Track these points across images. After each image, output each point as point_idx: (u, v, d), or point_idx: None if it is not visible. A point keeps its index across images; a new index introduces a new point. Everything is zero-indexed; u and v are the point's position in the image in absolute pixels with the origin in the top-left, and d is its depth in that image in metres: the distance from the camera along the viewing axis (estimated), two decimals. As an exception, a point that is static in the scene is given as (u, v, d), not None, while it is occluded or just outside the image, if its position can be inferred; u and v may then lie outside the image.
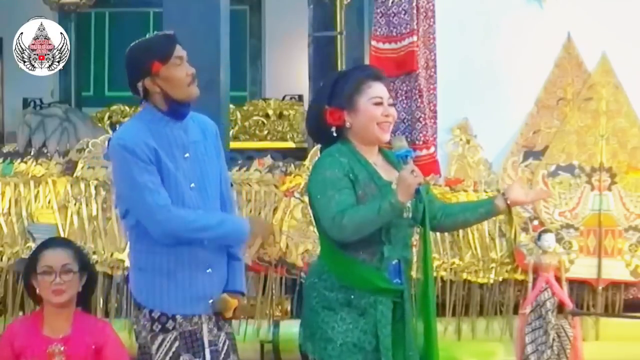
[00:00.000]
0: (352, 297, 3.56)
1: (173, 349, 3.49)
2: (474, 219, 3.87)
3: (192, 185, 3.53)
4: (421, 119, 5.92)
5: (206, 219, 3.50)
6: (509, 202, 3.70)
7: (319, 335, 3.57)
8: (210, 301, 3.55)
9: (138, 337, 3.59)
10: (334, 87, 3.65)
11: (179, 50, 3.55)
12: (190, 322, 3.52)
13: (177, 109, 3.55)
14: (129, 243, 3.69)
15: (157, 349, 3.49)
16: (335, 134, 3.64)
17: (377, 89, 3.61)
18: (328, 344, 3.55)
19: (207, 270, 3.56)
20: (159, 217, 3.44)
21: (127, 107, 10.75)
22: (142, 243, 3.53)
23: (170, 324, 3.50)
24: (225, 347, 3.59)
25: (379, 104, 3.59)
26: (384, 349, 3.52)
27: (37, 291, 3.85)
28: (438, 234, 5.54)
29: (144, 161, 3.46)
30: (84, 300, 3.98)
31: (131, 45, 3.61)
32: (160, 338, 3.50)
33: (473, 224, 4.22)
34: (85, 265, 3.94)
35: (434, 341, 3.61)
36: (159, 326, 3.50)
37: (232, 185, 4.07)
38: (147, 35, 3.65)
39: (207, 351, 3.51)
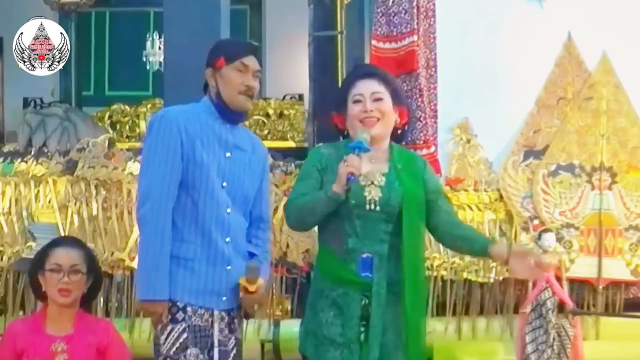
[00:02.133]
0: (325, 288, 3.58)
1: (181, 340, 3.49)
2: (467, 253, 4.02)
3: (224, 184, 3.55)
4: (422, 119, 5.92)
5: (154, 246, 3.46)
6: (507, 267, 3.72)
7: (305, 331, 3.62)
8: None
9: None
10: (337, 94, 3.78)
11: (251, 61, 3.62)
12: (202, 318, 3.52)
13: (224, 110, 3.59)
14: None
15: (166, 339, 3.50)
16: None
17: (359, 87, 3.67)
18: (308, 337, 3.59)
19: (227, 267, 3.57)
20: (147, 204, 3.47)
21: (127, 107, 10.76)
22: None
23: (180, 315, 3.51)
24: (234, 352, 3.60)
25: (358, 101, 3.64)
26: (347, 341, 3.52)
27: (43, 288, 3.84)
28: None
29: (174, 140, 3.49)
30: (87, 301, 3.97)
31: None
32: (169, 328, 3.51)
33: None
34: (93, 267, 3.93)
35: (415, 339, 3.59)
36: (169, 316, 3.50)
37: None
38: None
39: (215, 350, 3.52)
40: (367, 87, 3.66)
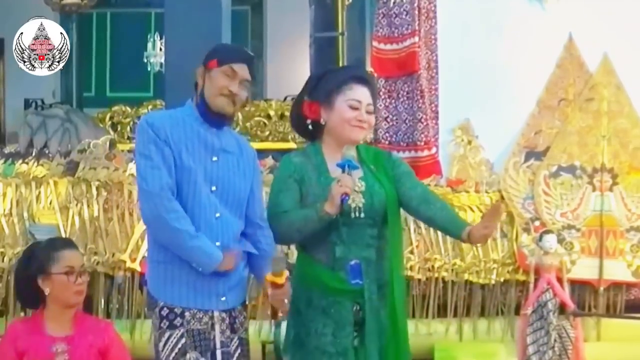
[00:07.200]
0: (312, 297, 3.55)
1: (179, 346, 3.47)
2: (439, 230, 3.91)
3: (214, 188, 3.54)
4: (423, 120, 5.92)
5: (186, 225, 3.43)
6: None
7: (293, 340, 3.58)
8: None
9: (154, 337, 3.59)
10: (319, 81, 3.66)
11: (241, 69, 3.57)
12: (200, 322, 3.50)
13: (206, 112, 3.57)
14: (147, 237, 3.68)
15: (164, 346, 3.48)
16: (311, 127, 3.63)
17: (358, 93, 3.58)
18: (296, 347, 3.56)
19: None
20: (151, 200, 3.44)
21: (128, 108, 10.76)
22: None
23: (177, 321, 3.49)
24: (238, 352, 3.57)
25: (355, 108, 3.56)
26: (342, 349, 3.49)
27: (47, 292, 3.82)
28: (440, 235, 5.57)
29: (164, 141, 3.48)
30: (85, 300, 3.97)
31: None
32: (167, 334, 3.48)
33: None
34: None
35: (400, 342, 3.57)
36: (167, 323, 3.48)
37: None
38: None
39: (218, 352, 3.50)
40: (364, 96, 3.58)
